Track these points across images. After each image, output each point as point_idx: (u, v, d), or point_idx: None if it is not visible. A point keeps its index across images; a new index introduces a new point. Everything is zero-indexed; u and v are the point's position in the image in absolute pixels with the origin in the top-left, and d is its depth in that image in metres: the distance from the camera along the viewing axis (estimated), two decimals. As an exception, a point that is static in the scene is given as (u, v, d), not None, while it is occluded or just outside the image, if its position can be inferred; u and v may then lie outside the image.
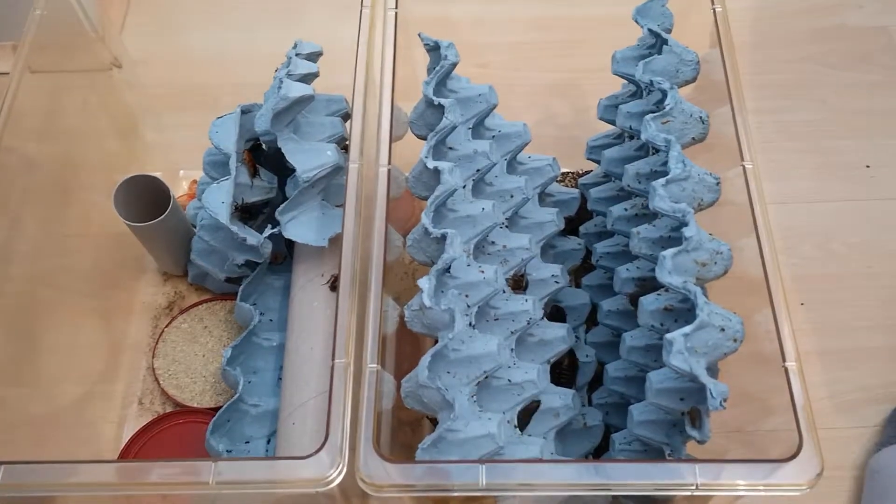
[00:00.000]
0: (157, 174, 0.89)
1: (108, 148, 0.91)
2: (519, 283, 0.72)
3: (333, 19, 0.84)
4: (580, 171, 0.93)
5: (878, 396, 0.81)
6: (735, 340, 0.56)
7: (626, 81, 0.77)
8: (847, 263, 0.89)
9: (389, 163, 0.65)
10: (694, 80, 0.70)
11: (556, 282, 0.74)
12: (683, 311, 0.61)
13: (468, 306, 0.64)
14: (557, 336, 0.70)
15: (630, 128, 0.71)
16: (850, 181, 0.94)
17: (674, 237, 0.64)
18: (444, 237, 0.62)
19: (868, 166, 0.94)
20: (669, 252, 0.57)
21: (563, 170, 0.93)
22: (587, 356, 0.77)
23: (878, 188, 0.93)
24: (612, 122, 0.77)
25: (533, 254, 0.71)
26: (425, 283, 0.60)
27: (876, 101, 1.00)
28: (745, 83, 0.93)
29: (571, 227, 0.82)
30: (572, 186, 0.92)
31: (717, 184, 0.63)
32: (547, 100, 1.00)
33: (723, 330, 0.56)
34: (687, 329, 0.54)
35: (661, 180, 0.61)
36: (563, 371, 0.75)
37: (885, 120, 0.98)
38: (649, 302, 0.62)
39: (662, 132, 0.64)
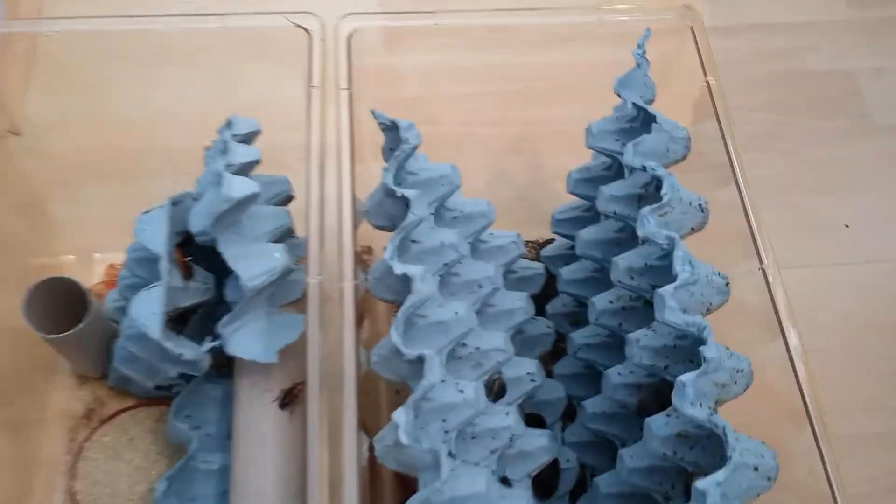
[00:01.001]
0: (70, 258, 0.80)
1: (8, 228, 0.80)
2: (491, 387, 0.64)
3: (267, 74, 0.77)
4: (540, 241, 0.85)
5: (890, 487, 0.74)
6: (769, 479, 0.49)
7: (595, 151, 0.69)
8: (834, 336, 0.82)
9: (355, 277, 0.56)
10: (684, 158, 0.63)
11: (532, 380, 0.66)
12: (701, 439, 0.53)
13: (446, 432, 0.56)
14: (539, 446, 0.62)
15: (615, 213, 0.64)
16: (828, 242, 0.88)
17: (680, 346, 0.57)
18: (420, 359, 0.54)
19: (847, 226, 0.88)
20: (689, 378, 0.50)
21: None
22: (568, 461, 0.69)
23: (860, 249, 0.87)
24: (585, 198, 0.70)
25: (508, 355, 0.63)
26: (401, 417, 0.52)
27: (844, 152, 0.94)
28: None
29: (537, 306, 0.74)
30: (533, 258, 0.84)
31: (727, 285, 0.56)
32: (500, 157, 0.92)
33: (756, 469, 0.48)
34: (720, 476, 0.46)
35: (669, 288, 0.53)
36: (542, 480, 0.67)
37: (857, 172, 0.92)
38: (659, 427, 0.54)
39: (661, 226, 0.56)
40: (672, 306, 0.52)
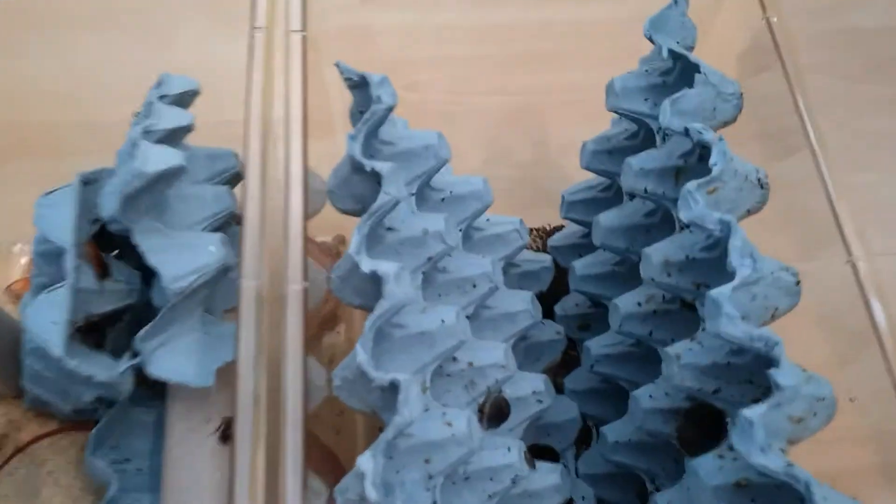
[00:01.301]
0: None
1: None
2: (483, 408, 0.51)
3: (211, 34, 0.68)
4: (547, 228, 0.72)
5: None
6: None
7: (617, 116, 0.56)
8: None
9: (305, 278, 0.42)
10: (734, 120, 0.49)
11: (539, 400, 0.54)
12: (767, 489, 0.40)
13: (430, 477, 0.43)
14: (548, 485, 0.50)
15: (646, 191, 0.50)
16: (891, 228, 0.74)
17: (734, 364, 0.43)
18: (393, 386, 0.41)
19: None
20: (757, 414, 0.36)
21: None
22: (583, 498, 0.56)
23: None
24: (605, 175, 0.57)
25: (509, 372, 0.50)
26: (368, 463, 0.39)
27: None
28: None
29: (544, 307, 0.61)
30: (539, 248, 0.71)
31: (797, 283, 0.42)
32: (498, 131, 0.79)
33: (849, 537, 0.35)
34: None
35: (726, 290, 0.40)
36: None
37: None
38: (709, 473, 0.41)
39: (712, 206, 0.43)
40: (730, 314, 0.39)
